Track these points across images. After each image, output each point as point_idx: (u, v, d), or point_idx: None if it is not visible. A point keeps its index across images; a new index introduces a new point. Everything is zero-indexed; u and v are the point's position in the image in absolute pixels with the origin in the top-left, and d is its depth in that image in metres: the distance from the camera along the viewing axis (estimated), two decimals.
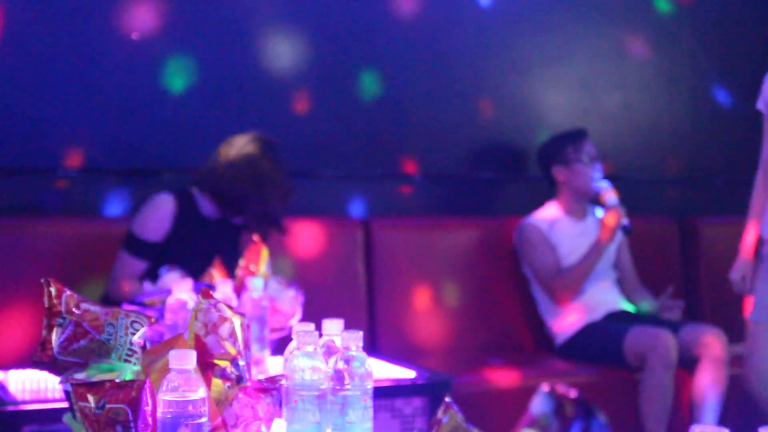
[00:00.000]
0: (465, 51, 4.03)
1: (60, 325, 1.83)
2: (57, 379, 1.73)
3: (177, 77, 3.59)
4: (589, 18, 4.28)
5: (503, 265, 3.86)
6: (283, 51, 3.75)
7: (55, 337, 1.84)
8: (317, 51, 3.80)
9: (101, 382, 1.58)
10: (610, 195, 3.62)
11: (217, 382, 1.57)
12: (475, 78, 4.05)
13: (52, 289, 1.85)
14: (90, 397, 1.56)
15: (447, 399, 1.02)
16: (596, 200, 3.75)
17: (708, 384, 3.34)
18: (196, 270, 2.71)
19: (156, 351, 1.59)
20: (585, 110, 4.22)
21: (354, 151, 3.87)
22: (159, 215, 2.96)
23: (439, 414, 1.03)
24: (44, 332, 1.82)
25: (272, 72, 3.73)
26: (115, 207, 3.44)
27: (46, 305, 1.82)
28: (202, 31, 3.64)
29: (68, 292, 1.87)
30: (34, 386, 2.37)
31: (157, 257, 2.95)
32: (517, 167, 4.11)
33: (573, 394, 0.97)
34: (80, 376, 1.67)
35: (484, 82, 4.07)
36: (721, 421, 3.26)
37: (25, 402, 2.20)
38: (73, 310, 1.85)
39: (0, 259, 3.13)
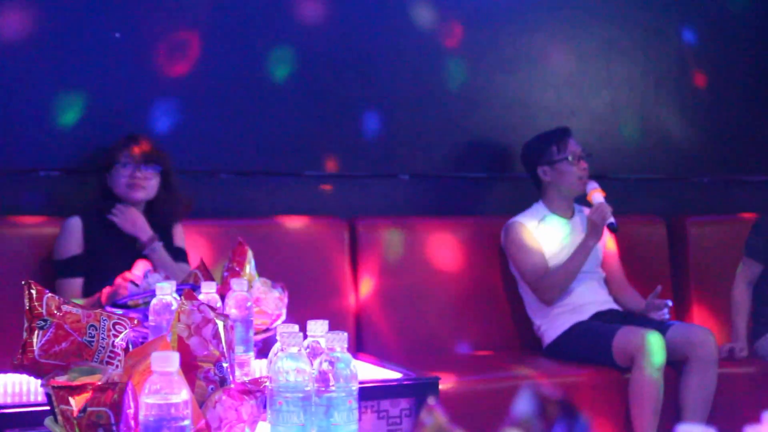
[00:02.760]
0: (451, 50, 4.03)
1: (41, 328, 1.81)
2: (38, 381, 1.71)
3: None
4: (575, 17, 4.28)
5: (490, 264, 3.85)
6: (270, 55, 3.74)
7: (36, 340, 1.82)
8: (305, 55, 3.79)
9: (83, 385, 1.56)
10: (597, 194, 3.61)
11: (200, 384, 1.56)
12: (462, 77, 4.04)
13: (33, 291, 1.83)
14: (71, 400, 1.55)
15: (431, 400, 1.01)
16: (583, 199, 3.74)
17: (696, 384, 3.34)
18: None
19: (138, 353, 1.58)
20: (572, 109, 4.22)
21: (340, 150, 3.86)
22: (66, 233, 3.14)
23: (423, 415, 1.02)
24: (25, 335, 1.80)
25: (258, 75, 3.72)
26: None
27: (27, 307, 1.80)
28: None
29: (49, 294, 1.86)
30: (15, 389, 2.35)
31: (87, 270, 3.11)
32: (504, 166, 4.10)
33: (556, 394, 0.96)
34: (62, 378, 1.65)
35: (470, 82, 4.07)
36: (710, 421, 3.25)
37: (5, 405, 2.18)
38: (55, 312, 1.83)
39: None
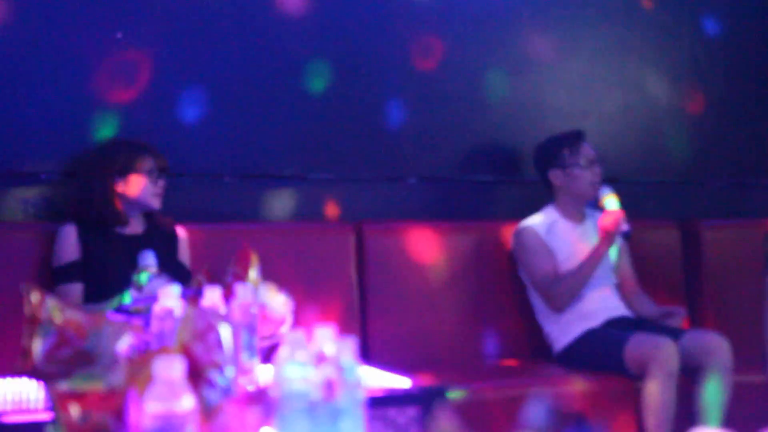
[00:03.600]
0: (461, 52, 4.01)
1: (42, 334, 1.79)
2: (38, 388, 1.68)
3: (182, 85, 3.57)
4: (587, 18, 4.26)
5: (499, 270, 3.82)
6: (274, 59, 3.72)
7: (37, 346, 1.79)
8: (309, 59, 3.77)
9: (85, 392, 1.54)
10: (610, 199, 3.57)
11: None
12: (471, 79, 4.02)
13: (34, 297, 1.81)
14: (73, 408, 1.53)
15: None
16: (596, 204, 3.70)
17: (711, 392, 3.30)
18: (125, 284, 2.78)
19: (141, 359, 1.56)
20: (583, 111, 4.19)
21: (346, 153, 3.83)
22: (62, 240, 3.15)
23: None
24: (25, 340, 1.77)
25: (263, 79, 3.70)
26: None
27: (28, 313, 1.78)
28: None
29: (51, 300, 1.83)
30: (16, 397, 2.32)
31: (85, 275, 3.11)
32: (514, 170, 4.08)
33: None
34: (64, 385, 1.62)
35: (480, 83, 4.04)
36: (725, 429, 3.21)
37: (6, 413, 2.15)
38: (56, 318, 1.80)
39: None
